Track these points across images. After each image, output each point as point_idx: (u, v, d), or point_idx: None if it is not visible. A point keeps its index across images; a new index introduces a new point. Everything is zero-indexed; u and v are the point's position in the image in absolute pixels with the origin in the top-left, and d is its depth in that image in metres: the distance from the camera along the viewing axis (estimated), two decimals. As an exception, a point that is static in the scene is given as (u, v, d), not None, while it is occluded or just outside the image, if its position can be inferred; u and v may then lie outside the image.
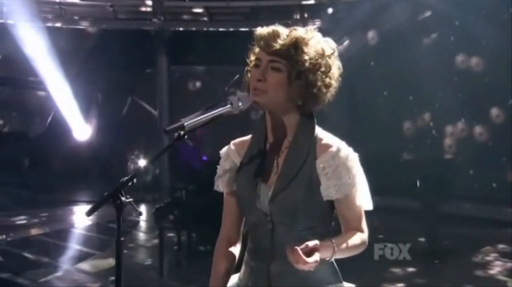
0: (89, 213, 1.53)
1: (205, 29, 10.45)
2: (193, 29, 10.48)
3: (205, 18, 10.36)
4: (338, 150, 1.61)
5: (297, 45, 1.59)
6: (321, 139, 1.65)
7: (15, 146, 10.53)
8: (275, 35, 1.60)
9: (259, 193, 1.64)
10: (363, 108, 9.78)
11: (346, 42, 9.43)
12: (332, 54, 1.65)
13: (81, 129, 11.28)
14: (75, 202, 9.45)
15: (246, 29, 9.68)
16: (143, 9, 10.47)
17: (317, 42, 1.62)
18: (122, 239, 1.53)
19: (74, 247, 6.24)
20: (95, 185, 9.56)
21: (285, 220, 1.62)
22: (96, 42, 10.88)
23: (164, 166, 9.00)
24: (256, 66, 1.62)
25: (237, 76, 10.20)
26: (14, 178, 9.55)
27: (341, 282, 1.67)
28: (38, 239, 6.72)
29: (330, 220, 1.68)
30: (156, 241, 5.81)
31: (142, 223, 7.39)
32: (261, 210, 1.64)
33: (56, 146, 10.84)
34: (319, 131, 1.67)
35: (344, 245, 1.59)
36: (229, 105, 1.59)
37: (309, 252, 1.48)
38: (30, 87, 10.98)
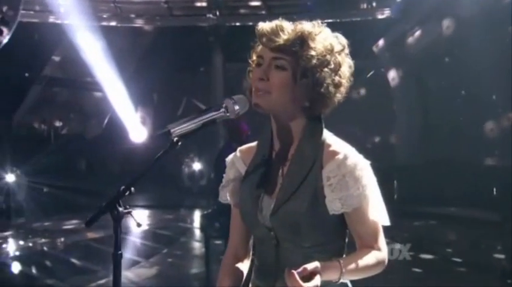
0: (88, 224, 1.45)
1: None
2: (251, 23, 10.15)
3: (263, 12, 10.01)
4: (344, 158, 1.46)
5: (302, 40, 1.46)
6: (328, 146, 1.50)
7: (72, 147, 10.64)
8: (278, 30, 1.45)
9: (262, 206, 1.52)
10: (437, 109, 9.00)
11: (417, 33, 8.73)
12: (342, 50, 1.50)
13: (137, 131, 11.28)
14: (129, 206, 9.36)
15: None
16: (198, 4, 10.29)
17: (325, 38, 1.49)
18: (120, 252, 1.45)
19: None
20: (150, 188, 9.44)
21: (288, 236, 1.50)
22: (151, 40, 10.86)
23: (218, 169, 8.69)
24: (258, 65, 1.48)
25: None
26: (71, 180, 9.60)
27: None
28: (86, 244, 6.60)
29: (341, 237, 1.53)
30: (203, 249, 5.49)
31: (195, 231, 7.12)
32: (263, 224, 1.52)
33: (112, 148, 10.87)
34: (327, 137, 1.52)
35: (353, 266, 1.46)
36: (222, 110, 1.49)
37: (309, 275, 1.37)
38: (87, 89, 11.09)
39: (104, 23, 10.23)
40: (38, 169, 8.67)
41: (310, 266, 1.37)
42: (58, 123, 11.16)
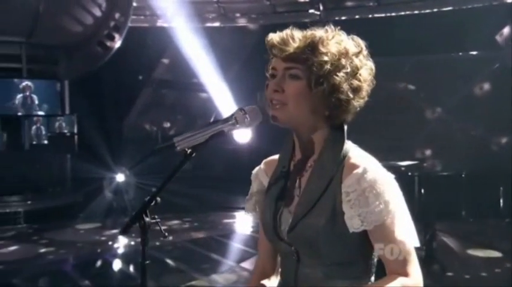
0: (122, 232, 1.46)
1: (371, 15, 9.69)
2: (357, 16, 9.80)
3: (372, 3, 9.60)
4: (364, 172, 1.41)
5: (313, 46, 1.43)
6: (349, 159, 1.45)
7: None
8: (289, 39, 1.44)
9: (281, 220, 1.51)
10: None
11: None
12: (359, 52, 1.46)
13: (241, 131, 11.45)
14: (234, 209, 9.54)
15: (423, 12, 8.71)
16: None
17: (338, 41, 1.45)
18: (147, 262, 1.47)
19: (213, 256, 6.13)
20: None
21: (308, 252, 1.47)
22: (255, 39, 10.96)
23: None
24: (272, 76, 1.47)
25: (408, 67, 9.25)
26: (176, 181, 10.02)
27: None
28: (183, 245, 6.81)
29: (367, 256, 1.45)
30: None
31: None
32: (283, 239, 1.49)
33: (217, 149, 11.16)
34: (350, 149, 1.47)
35: None
36: (231, 121, 1.48)
37: None
38: (193, 90, 11.52)
39: (208, 24, 10.54)
40: (146, 170, 9.18)
41: None
42: (166, 125, 11.75)
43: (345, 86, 1.44)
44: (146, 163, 9.38)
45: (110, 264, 6.06)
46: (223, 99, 11.04)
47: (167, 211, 8.67)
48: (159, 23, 10.57)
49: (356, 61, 1.45)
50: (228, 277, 5.27)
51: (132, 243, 6.75)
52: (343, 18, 9.81)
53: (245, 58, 11.08)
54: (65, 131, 9.12)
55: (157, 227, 1.46)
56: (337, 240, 1.42)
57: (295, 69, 1.43)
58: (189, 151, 1.45)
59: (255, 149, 11.00)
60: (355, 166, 1.43)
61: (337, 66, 1.43)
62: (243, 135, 11.54)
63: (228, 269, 5.55)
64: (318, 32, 1.45)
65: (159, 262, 5.99)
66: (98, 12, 9.13)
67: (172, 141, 1.44)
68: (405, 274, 1.41)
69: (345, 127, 1.49)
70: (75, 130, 9.21)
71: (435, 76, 8.93)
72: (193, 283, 5.14)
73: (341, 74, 1.43)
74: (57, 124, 9.08)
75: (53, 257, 6.22)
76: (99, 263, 6.08)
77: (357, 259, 1.46)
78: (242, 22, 10.80)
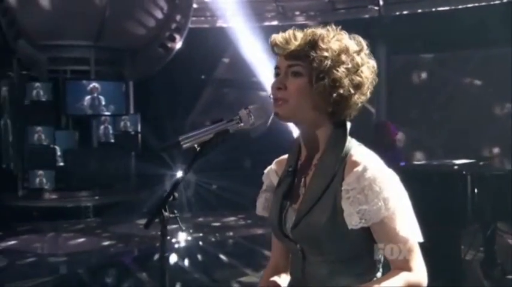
0: (146, 226, 1.51)
1: (434, 9, 9.38)
2: (419, 10, 9.52)
3: (433, -3, 9.32)
4: (364, 170, 1.42)
5: (314, 42, 1.46)
6: (351, 156, 1.47)
7: (239, 146, 11.30)
8: (291, 38, 1.49)
9: (286, 218, 1.54)
10: None
11: None
12: (360, 50, 1.48)
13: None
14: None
15: (491, 3, 8.33)
16: (361, -5, 10.05)
17: (339, 39, 1.48)
18: (166, 254, 1.57)
19: (266, 253, 6.22)
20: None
21: (312, 249, 1.50)
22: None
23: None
24: (277, 75, 1.51)
25: (475, 61, 8.88)
26: (236, 178, 10.21)
27: None
28: (236, 241, 6.95)
29: (371, 253, 1.46)
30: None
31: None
32: (288, 236, 1.52)
33: (277, 146, 11.22)
34: (353, 147, 1.49)
35: None
36: (236, 121, 1.53)
37: None
38: (253, 88, 11.64)
39: (266, 23, 10.63)
40: (206, 167, 9.40)
41: None
42: (226, 123, 11.97)
43: (346, 82, 1.45)
44: (206, 161, 9.62)
45: (167, 258, 6.30)
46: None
47: (224, 208, 8.90)
48: (219, 24, 10.78)
49: (357, 58, 1.47)
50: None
51: (189, 238, 6.98)
52: (404, 12, 9.56)
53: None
54: (130, 130, 9.54)
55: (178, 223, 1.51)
56: (339, 237, 1.44)
57: (297, 67, 1.47)
58: (198, 149, 1.50)
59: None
60: (355, 164, 1.44)
61: (337, 62, 1.45)
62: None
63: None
64: (318, 30, 1.49)
65: (212, 257, 6.17)
66: (160, 15, 9.47)
67: (177, 139, 1.48)
68: (407, 269, 1.42)
69: (348, 125, 1.51)
70: (139, 129, 9.61)
71: (504, 70, 8.52)
72: (244, 278, 5.24)
73: (341, 69, 1.45)
74: (122, 123, 9.50)
75: (114, 250, 6.58)
76: (156, 256, 6.34)
77: (361, 256, 1.47)
78: (300, 20, 10.78)
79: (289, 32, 1.49)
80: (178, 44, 9.84)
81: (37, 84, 8.94)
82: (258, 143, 11.64)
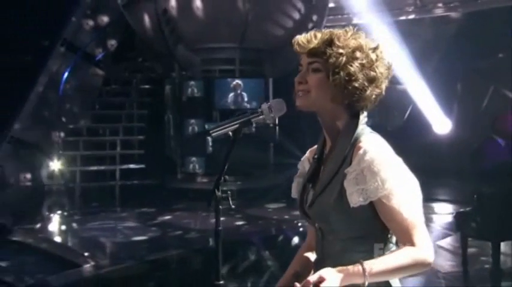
0: (208, 205, 1.75)
1: None
2: None
3: None
4: (364, 153, 1.51)
5: (330, 41, 1.56)
6: (359, 142, 1.56)
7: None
8: (312, 37, 1.60)
9: (307, 199, 1.65)
10: None
11: None
12: (376, 48, 1.58)
13: (441, 122, 10.87)
14: (430, 200, 9.19)
15: None
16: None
17: (354, 37, 1.57)
18: (220, 228, 1.75)
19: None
20: (451, 181, 9.06)
21: (325, 228, 1.59)
22: (455, 28, 10.23)
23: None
24: (300, 72, 1.62)
25: None
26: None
27: None
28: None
29: (380, 232, 1.53)
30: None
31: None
32: (307, 215, 1.64)
33: (413, 140, 10.80)
34: (363, 134, 1.58)
35: (380, 267, 1.43)
36: (258, 113, 1.69)
37: (317, 285, 1.40)
38: (390, 82, 11.27)
39: (403, 18, 10.24)
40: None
41: (313, 278, 1.41)
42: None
43: (360, 76, 1.54)
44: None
45: (290, 240, 6.59)
46: (421, 91, 10.62)
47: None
48: (355, 21, 10.68)
49: (372, 55, 1.56)
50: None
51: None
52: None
53: (444, 48, 10.43)
54: (269, 122, 9.98)
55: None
56: (346, 216, 1.52)
57: (316, 63, 1.58)
58: (232, 137, 1.70)
59: (456, 140, 10.31)
60: (359, 149, 1.53)
61: (352, 58, 1.54)
62: (442, 127, 10.93)
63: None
64: (335, 30, 1.60)
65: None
66: (297, 16, 9.73)
67: (207, 129, 1.72)
68: (411, 245, 1.46)
69: (362, 115, 1.60)
70: (277, 122, 10.01)
71: None
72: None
73: (356, 64, 1.54)
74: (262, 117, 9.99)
75: (244, 229, 7.07)
76: (281, 238, 6.67)
77: (370, 234, 1.54)
78: (440, 12, 10.17)
79: (311, 33, 1.62)
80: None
81: (192, 82, 9.86)
82: (394, 136, 11.33)
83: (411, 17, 10.33)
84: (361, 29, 1.64)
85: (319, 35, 1.60)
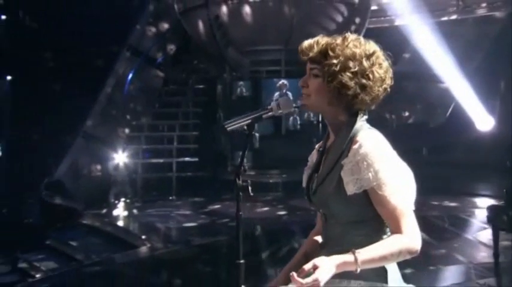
0: (236, 196, 1.80)
1: None
2: None
3: None
4: (359, 147, 1.58)
5: (325, 52, 1.63)
6: (356, 137, 1.61)
7: (416, 135, 10.91)
8: (313, 45, 1.66)
9: (312, 187, 1.72)
10: None
11: None
12: (371, 55, 1.60)
13: (483, 120, 10.52)
14: (471, 195, 8.95)
15: None
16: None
17: (347, 47, 1.61)
18: (241, 213, 1.76)
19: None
20: (493, 177, 8.77)
21: (327, 213, 1.66)
22: (499, 28, 9.84)
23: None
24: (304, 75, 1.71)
25: None
26: (413, 166, 9.88)
27: (386, 282, 1.57)
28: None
29: (376, 217, 1.58)
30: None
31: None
32: (312, 201, 1.72)
33: (456, 136, 10.52)
34: (362, 129, 1.63)
35: (370, 254, 1.49)
36: (267, 110, 1.75)
37: (309, 273, 1.46)
38: (433, 81, 11.06)
39: (445, 18, 9.96)
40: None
41: (308, 266, 1.47)
42: (404, 113, 11.61)
43: (352, 84, 1.59)
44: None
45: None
46: (463, 89, 10.32)
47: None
48: (398, 22, 10.50)
49: (365, 63, 1.60)
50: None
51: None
52: None
53: (487, 48, 10.07)
54: (313, 119, 10.06)
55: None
56: (343, 202, 1.60)
57: (315, 70, 1.66)
58: (247, 131, 1.75)
59: (499, 137, 9.94)
60: (355, 143, 1.61)
61: (345, 67, 1.60)
62: (484, 124, 10.57)
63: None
64: (334, 40, 1.65)
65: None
66: (340, 19, 9.70)
67: (223, 123, 1.77)
68: (399, 232, 1.52)
69: (361, 114, 1.65)
70: (320, 119, 10.05)
71: None
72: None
73: (347, 74, 1.59)
74: (306, 115, 10.09)
75: (285, 219, 7.22)
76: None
77: (367, 219, 1.59)
78: (483, 12, 9.80)
79: (313, 40, 1.69)
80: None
81: (241, 82, 10.10)
82: (436, 133, 11.05)
83: (453, 17, 10.01)
84: (360, 35, 1.69)
85: (321, 41, 1.66)
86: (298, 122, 10.29)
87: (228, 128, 1.75)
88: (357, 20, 9.83)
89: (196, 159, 10.64)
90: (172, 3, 10.63)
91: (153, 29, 11.86)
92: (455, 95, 10.43)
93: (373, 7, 10.05)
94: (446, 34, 9.72)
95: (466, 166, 9.57)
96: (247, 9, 9.54)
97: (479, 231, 6.27)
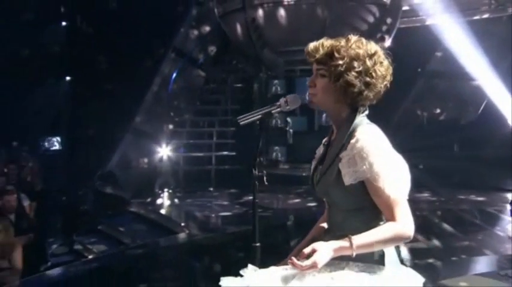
0: (256, 187, 1.86)
1: None
2: None
3: None
4: (356, 141, 1.62)
5: (331, 53, 1.66)
6: (355, 131, 1.65)
7: (448, 132, 10.67)
8: (319, 47, 1.69)
9: (316, 177, 1.75)
10: None
11: None
12: (373, 55, 1.64)
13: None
14: (502, 190, 8.72)
15: None
16: None
17: (351, 48, 1.65)
18: (257, 200, 1.85)
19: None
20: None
21: (329, 201, 1.72)
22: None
23: None
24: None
25: None
26: (443, 160, 9.67)
27: (383, 265, 1.60)
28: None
29: (373, 205, 1.61)
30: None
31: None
32: (316, 191, 1.75)
33: (487, 133, 10.22)
34: (361, 124, 1.66)
35: (365, 240, 1.55)
36: (276, 106, 1.82)
37: (308, 257, 1.52)
38: (465, 79, 10.78)
39: (477, 17, 9.68)
40: (415, 149, 9.20)
41: (307, 250, 1.54)
42: (436, 111, 11.36)
43: (357, 82, 1.63)
44: (413, 142, 9.40)
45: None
46: (494, 87, 10.02)
47: (421, 186, 8.63)
48: (429, 22, 10.30)
49: (368, 62, 1.63)
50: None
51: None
52: None
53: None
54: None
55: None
56: (342, 192, 1.64)
57: (322, 70, 1.68)
58: (259, 125, 1.83)
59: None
60: (354, 137, 1.64)
61: (350, 67, 1.63)
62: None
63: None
64: (335, 41, 1.68)
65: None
66: (371, 19, 9.63)
67: (237, 118, 1.83)
68: (392, 220, 1.56)
69: (361, 109, 1.67)
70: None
71: None
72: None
73: (353, 73, 1.62)
74: (338, 112, 10.07)
75: (315, 209, 7.29)
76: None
77: (365, 207, 1.63)
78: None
79: (319, 42, 1.71)
80: (388, 43, 9.82)
81: (276, 81, 10.23)
82: (467, 129, 10.75)
83: (485, 16, 9.71)
84: (361, 37, 1.70)
85: (326, 43, 1.69)
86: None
87: (241, 123, 1.82)
88: (388, 21, 9.74)
89: (234, 153, 10.85)
90: (213, 7, 10.87)
91: (196, 32, 12.17)
92: (487, 92, 10.12)
93: (405, 7, 9.90)
94: (479, 33, 9.45)
95: (497, 162, 9.29)
96: (281, 11, 9.63)
97: (508, 225, 6.16)
